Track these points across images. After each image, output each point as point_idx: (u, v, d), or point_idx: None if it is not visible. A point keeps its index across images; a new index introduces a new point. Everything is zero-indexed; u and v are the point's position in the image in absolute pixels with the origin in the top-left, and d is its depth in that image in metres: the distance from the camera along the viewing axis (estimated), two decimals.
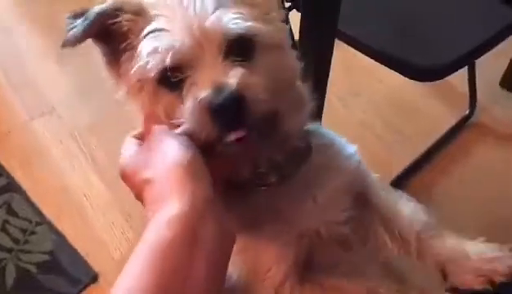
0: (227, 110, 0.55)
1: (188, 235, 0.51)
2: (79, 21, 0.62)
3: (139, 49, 0.61)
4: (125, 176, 0.62)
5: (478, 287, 0.71)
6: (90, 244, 1.54)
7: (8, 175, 1.68)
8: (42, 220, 1.58)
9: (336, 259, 0.76)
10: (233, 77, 0.57)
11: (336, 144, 0.78)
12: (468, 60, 1.24)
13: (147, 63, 0.60)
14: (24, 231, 1.55)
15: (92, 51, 0.69)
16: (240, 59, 0.59)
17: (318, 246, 0.73)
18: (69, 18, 0.63)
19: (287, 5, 1.27)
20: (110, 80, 0.70)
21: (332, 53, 1.16)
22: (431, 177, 1.68)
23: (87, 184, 1.67)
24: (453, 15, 1.25)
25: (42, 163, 1.73)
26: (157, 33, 0.60)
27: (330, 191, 0.73)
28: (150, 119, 0.63)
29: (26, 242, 1.54)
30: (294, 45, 1.25)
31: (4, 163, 1.71)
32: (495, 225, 1.54)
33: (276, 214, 0.70)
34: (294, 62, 0.68)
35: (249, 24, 0.60)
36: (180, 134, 0.59)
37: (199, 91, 0.57)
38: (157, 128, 0.61)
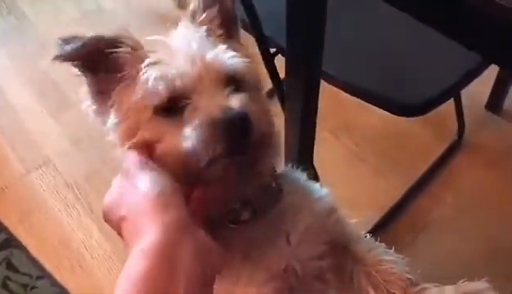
0: (236, 126, 0.60)
1: (165, 261, 0.53)
2: (74, 41, 0.65)
3: (144, 77, 0.65)
4: (104, 217, 0.64)
5: None
6: None
7: (7, 231, 1.68)
8: (43, 274, 1.57)
9: None
10: (235, 101, 0.62)
11: (307, 186, 0.81)
12: (451, 93, 1.27)
13: (154, 88, 0.64)
14: (25, 286, 1.55)
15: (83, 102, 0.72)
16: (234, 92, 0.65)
17: (296, 286, 0.73)
18: (61, 40, 0.66)
19: (272, 50, 1.30)
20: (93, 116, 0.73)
21: (319, 89, 1.18)
22: (426, 203, 1.70)
23: (86, 235, 1.68)
24: (435, 48, 1.27)
25: (40, 216, 1.73)
26: (162, 63, 0.65)
27: (302, 230, 0.74)
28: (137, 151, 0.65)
29: None
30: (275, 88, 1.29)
31: (2, 219, 1.71)
32: (492, 247, 1.56)
33: (248, 253, 0.71)
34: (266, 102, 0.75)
35: (243, 62, 0.68)
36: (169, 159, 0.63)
37: (205, 112, 0.61)
38: (130, 164, 0.63)
